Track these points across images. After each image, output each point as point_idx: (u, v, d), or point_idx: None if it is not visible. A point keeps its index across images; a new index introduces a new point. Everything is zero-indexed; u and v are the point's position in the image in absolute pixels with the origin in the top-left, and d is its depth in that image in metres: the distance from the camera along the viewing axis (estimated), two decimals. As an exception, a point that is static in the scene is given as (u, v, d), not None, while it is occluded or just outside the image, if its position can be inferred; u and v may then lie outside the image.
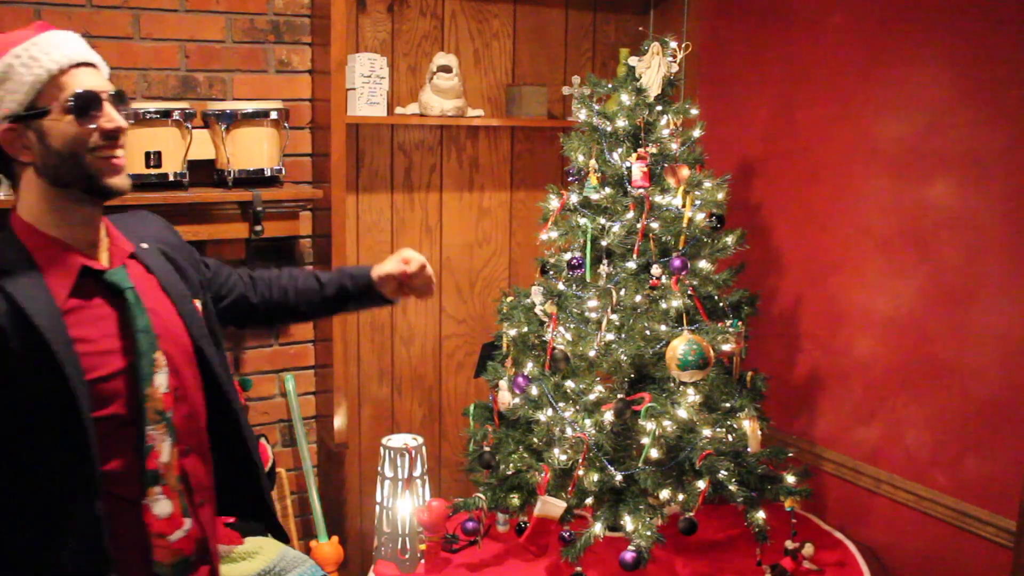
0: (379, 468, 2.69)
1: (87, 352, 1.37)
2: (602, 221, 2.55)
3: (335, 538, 2.87)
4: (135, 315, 1.42)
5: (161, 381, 1.43)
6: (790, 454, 2.67)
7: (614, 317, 2.48)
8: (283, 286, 1.81)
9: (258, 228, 2.58)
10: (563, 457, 2.43)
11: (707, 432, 2.43)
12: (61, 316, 1.36)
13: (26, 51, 1.37)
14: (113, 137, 1.41)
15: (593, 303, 2.50)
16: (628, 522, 2.38)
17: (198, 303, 1.59)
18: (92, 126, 1.38)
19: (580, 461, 2.40)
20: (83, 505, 1.35)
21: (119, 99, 1.43)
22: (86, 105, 1.37)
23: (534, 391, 2.53)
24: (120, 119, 1.42)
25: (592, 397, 2.46)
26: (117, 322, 1.42)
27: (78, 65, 1.40)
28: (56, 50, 1.39)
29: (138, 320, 1.42)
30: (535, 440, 2.55)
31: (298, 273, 1.84)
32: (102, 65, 1.46)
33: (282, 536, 1.81)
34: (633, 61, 2.62)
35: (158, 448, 1.42)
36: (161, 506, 1.43)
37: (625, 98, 2.59)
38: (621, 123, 2.58)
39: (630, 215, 2.52)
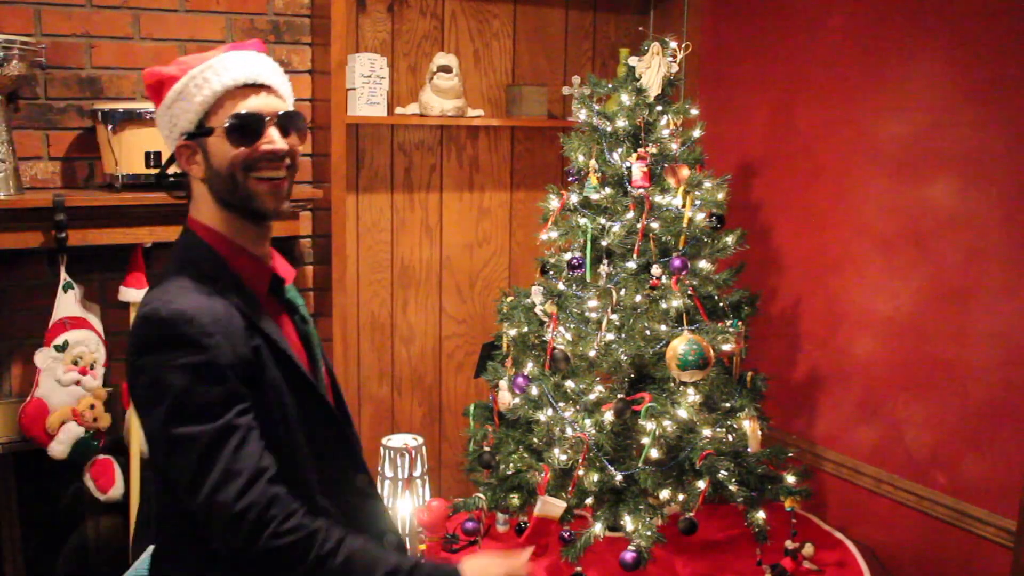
0: (379, 468, 2.69)
1: (298, 365, 1.48)
2: (602, 221, 2.55)
3: (335, 538, 2.87)
4: (310, 331, 1.52)
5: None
6: (790, 454, 2.67)
7: (614, 317, 2.48)
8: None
9: (258, 228, 2.57)
10: (563, 457, 2.43)
11: (707, 432, 2.43)
12: (275, 326, 1.46)
13: (201, 72, 1.42)
14: (273, 159, 1.41)
15: (593, 303, 2.50)
16: (628, 522, 2.38)
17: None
18: (249, 148, 1.40)
19: (580, 461, 2.40)
20: (348, 480, 1.60)
21: (288, 121, 1.44)
22: (243, 127, 1.40)
23: (534, 391, 2.53)
24: (280, 142, 1.41)
25: (592, 397, 2.45)
26: (297, 333, 1.52)
27: (247, 87, 1.42)
28: (227, 72, 1.41)
29: (313, 336, 1.55)
30: (535, 440, 2.55)
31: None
32: (281, 86, 1.46)
33: None
34: (633, 61, 2.62)
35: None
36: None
37: (625, 98, 2.59)
38: (621, 123, 2.57)
39: (630, 215, 2.52)
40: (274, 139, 1.41)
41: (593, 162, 2.58)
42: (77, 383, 2.38)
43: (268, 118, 1.42)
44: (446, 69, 2.91)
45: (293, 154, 1.45)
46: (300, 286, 2.89)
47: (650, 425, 2.37)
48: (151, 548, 2.34)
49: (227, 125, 1.40)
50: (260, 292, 1.45)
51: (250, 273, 1.45)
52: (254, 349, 1.37)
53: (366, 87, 2.84)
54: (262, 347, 1.38)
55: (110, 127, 2.37)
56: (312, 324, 1.59)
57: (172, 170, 1.52)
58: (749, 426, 2.50)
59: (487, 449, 2.62)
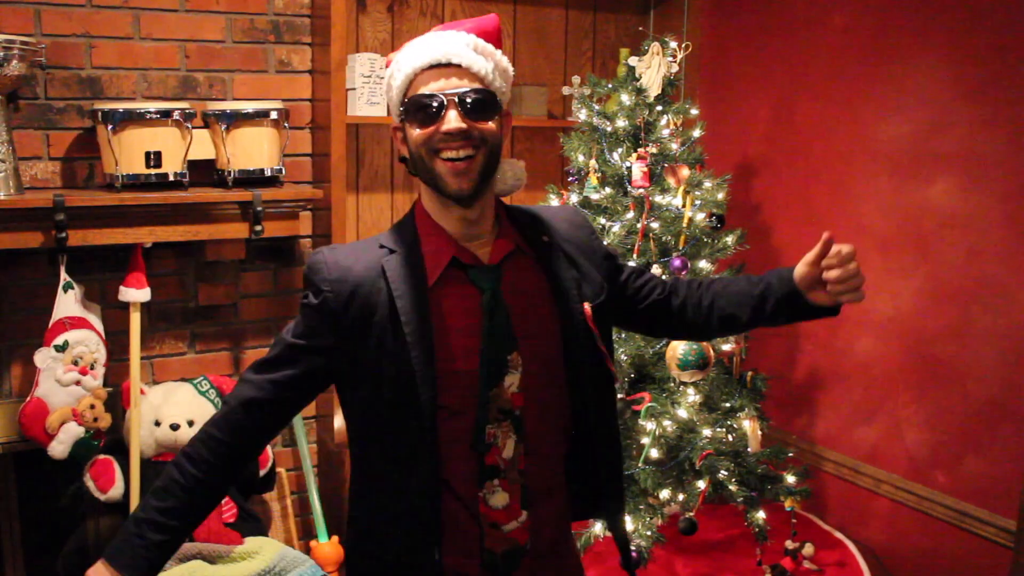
0: (379, 468, 2.69)
1: (443, 341, 1.42)
2: (602, 221, 2.55)
3: (335, 538, 2.87)
4: (490, 315, 1.43)
5: (512, 381, 1.43)
6: (790, 454, 2.67)
7: (614, 317, 2.48)
8: (714, 290, 1.64)
9: (258, 228, 2.58)
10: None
11: (707, 432, 2.43)
12: (426, 302, 1.42)
13: (399, 56, 1.46)
14: (452, 139, 1.39)
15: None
16: (628, 522, 2.38)
17: (587, 306, 1.51)
18: (429, 129, 1.40)
19: (580, 461, 2.39)
20: (419, 481, 1.41)
21: (470, 100, 1.40)
22: (418, 109, 1.40)
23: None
24: (453, 122, 1.38)
25: (592, 397, 2.45)
26: (480, 317, 1.44)
27: (432, 68, 1.41)
28: (414, 55, 1.43)
29: (493, 320, 1.43)
30: (535, 440, 2.55)
31: (732, 278, 1.66)
32: (473, 64, 1.42)
33: (629, 564, 1.66)
34: (633, 61, 2.62)
35: (500, 444, 1.43)
36: (497, 498, 1.44)
37: (625, 98, 2.59)
38: (621, 123, 2.57)
39: (630, 215, 2.52)
40: (449, 119, 1.38)
41: (593, 162, 2.58)
42: (77, 383, 2.38)
43: (446, 98, 1.39)
44: (446, 69, 2.91)
45: (476, 134, 1.40)
46: (300, 286, 2.90)
47: (650, 425, 2.37)
48: None
49: (402, 108, 1.43)
50: (436, 272, 1.45)
51: (433, 248, 1.46)
52: (369, 309, 1.42)
53: (366, 87, 2.84)
54: (382, 312, 1.42)
55: (110, 127, 2.37)
56: (504, 311, 1.44)
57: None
58: (749, 426, 2.50)
59: (487, 449, 2.62)
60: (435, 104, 1.39)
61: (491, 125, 1.43)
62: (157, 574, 1.45)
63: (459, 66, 1.41)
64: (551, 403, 1.48)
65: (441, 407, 1.41)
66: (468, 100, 1.39)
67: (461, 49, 1.42)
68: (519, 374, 1.44)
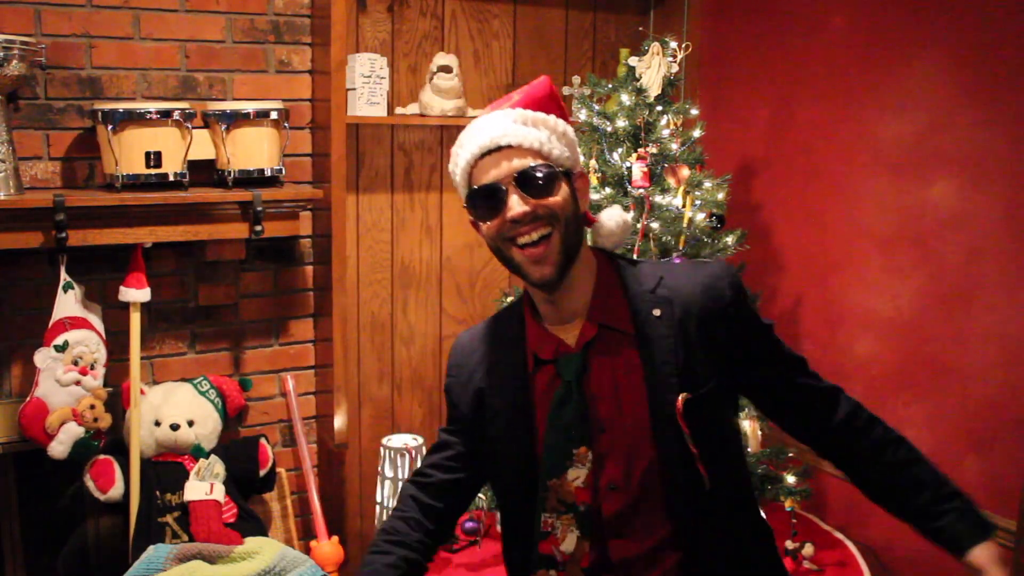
0: (379, 468, 2.69)
1: (512, 429, 1.44)
2: (602, 221, 2.55)
3: (335, 538, 2.87)
4: (558, 406, 1.38)
5: (577, 475, 1.37)
6: (790, 454, 2.67)
7: (614, 317, 2.47)
8: (886, 460, 1.45)
9: (258, 228, 2.58)
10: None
11: (707, 432, 2.43)
12: (523, 391, 1.43)
13: (458, 142, 1.43)
14: (521, 224, 1.34)
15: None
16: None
17: (681, 399, 1.36)
18: (497, 220, 1.36)
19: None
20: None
21: (528, 179, 1.34)
22: (480, 202, 1.37)
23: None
24: (517, 207, 1.33)
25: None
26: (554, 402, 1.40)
27: (486, 155, 1.37)
28: (469, 142, 1.39)
29: (562, 411, 1.37)
30: (535, 440, 2.55)
31: (911, 460, 1.45)
32: (524, 138, 1.36)
33: None
34: (633, 61, 2.62)
35: (560, 536, 1.38)
36: None
37: (625, 98, 2.59)
38: (621, 123, 2.58)
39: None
40: (512, 204, 1.34)
41: (593, 162, 2.58)
42: (77, 383, 2.38)
43: (504, 184, 1.35)
44: (446, 69, 2.91)
45: (544, 212, 1.34)
46: (300, 286, 2.90)
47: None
48: (151, 548, 2.34)
49: (465, 206, 1.41)
50: (530, 361, 1.43)
51: (533, 340, 1.45)
52: (479, 393, 1.49)
53: (366, 87, 2.84)
54: (486, 396, 1.48)
55: (110, 127, 2.37)
56: (581, 401, 1.38)
57: None
58: (749, 426, 2.50)
59: (487, 449, 2.62)
60: (495, 193, 1.35)
61: (558, 198, 1.36)
62: None
63: (510, 146, 1.36)
64: (637, 500, 1.38)
65: (508, 488, 1.49)
66: (527, 180, 1.34)
67: (508, 128, 1.36)
68: (586, 469, 1.36)
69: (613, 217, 1.48)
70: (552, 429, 1.37)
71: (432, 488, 1.57)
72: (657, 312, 1.39)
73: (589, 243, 1.49)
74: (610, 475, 1.37)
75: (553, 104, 1.44)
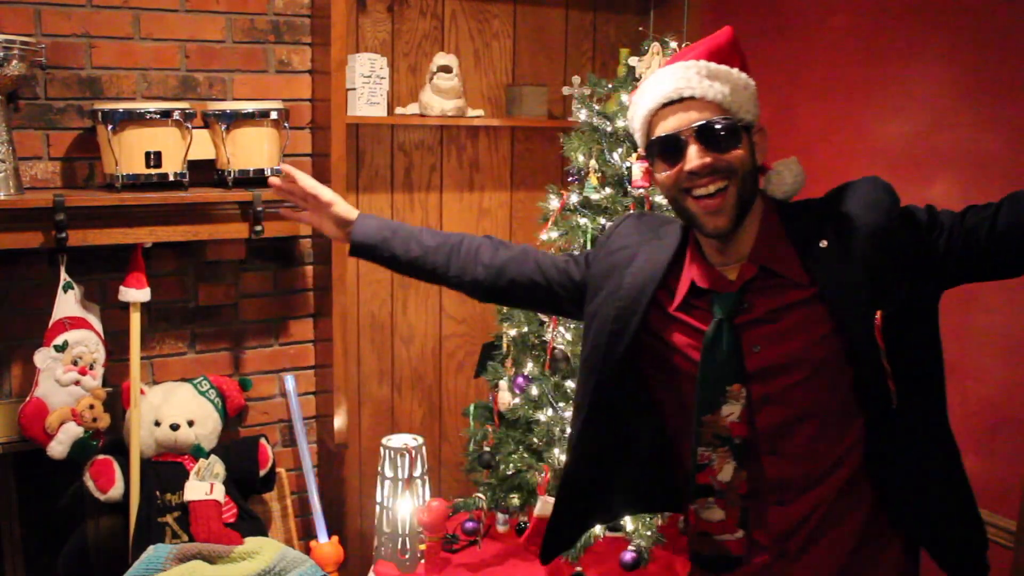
0: (379, 468, 2.69)
1: (660, 353, 1.48)
2: (602, 221, 2.55)
3: (335, 538, 2.87)
4: (710, 345, 1.40)
5: (731, 411, 1.39)
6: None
7: (614, 317, 2.48)
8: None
9: (258, 228, 2.58)
10: (563, 457, 2.43)
11: (707, 432, 2.43)
12: (637, 327, 1.47)
13: (635, 97, 1.44)
14: (698, 177, 1.36)
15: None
16: (628, 522, 2.38)
17: (879, 314, 1.38)
18: (674, 170, 1.38)
19: (580, 461, 2.40)
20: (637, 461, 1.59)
21: (708, 132, 1.36)
22: (659, 151, 1.39)
23: (534, 391, 2.53)
24: (694, 160, 1.35)
25: (592, 397, 2.45)
26: (709, 339, 1.42)
27: (667, 105, 1.39)
28: (648, 93, 1.41)
29: (714, 349, 1.39)
30: (535, 440, 2.55)
31: None
32: (707, 91, 1.37)
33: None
34: (633, 61, 2.62)
35: (716, 467, 1.41)
36: (712, 513, 1.43)
37: (625, 98, 2.59)
38: (621, 123, 2.57)
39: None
40: (691, 156, 1.35)
41: (593, 162, 2.58)
42: (76, 383, 2.38)
43: (684, 136, 1.36)
44: (446, 69, 2.91)
45: (723, 165, 1.36)
46: (300, 286, 2.90)
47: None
48: (151, 548, 2.34)
49: (644, 154, 1.43)
50: (682, 293, 1.46)
51: (688, 263, 1.48)
52: (609, 274, 1.54)
53: (366, 87, 2.84)
54: (608, 299, 1.52)
55: (110, 127, 2.37)
56: (732, 340, 1.39)
57: None
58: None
59: (487, 449, 2.62)
60: (674, 144, 1.36)
61: (738, 152, 1.38)
62: (369, 238, 1.69)
63: (693, 98, 1.37)
64: (795, 434, 1.40)
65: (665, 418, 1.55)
66: (707, 133, 1.35)
67: (692, 80, 1.38)
68: (740, 405, 1.38)
69: (791, 168, 1.49)
70: (705, 366, 1.40)
71: (518, 263, 1.66)
72: (824, 243, 1.40)
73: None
74: (767, 410, 1.40)
75: (735, 56, 1.46)
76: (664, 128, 1.38)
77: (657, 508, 1.78)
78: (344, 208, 1.73)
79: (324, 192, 1.73)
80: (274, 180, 1.77)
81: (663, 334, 1.48)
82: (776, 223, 1.45)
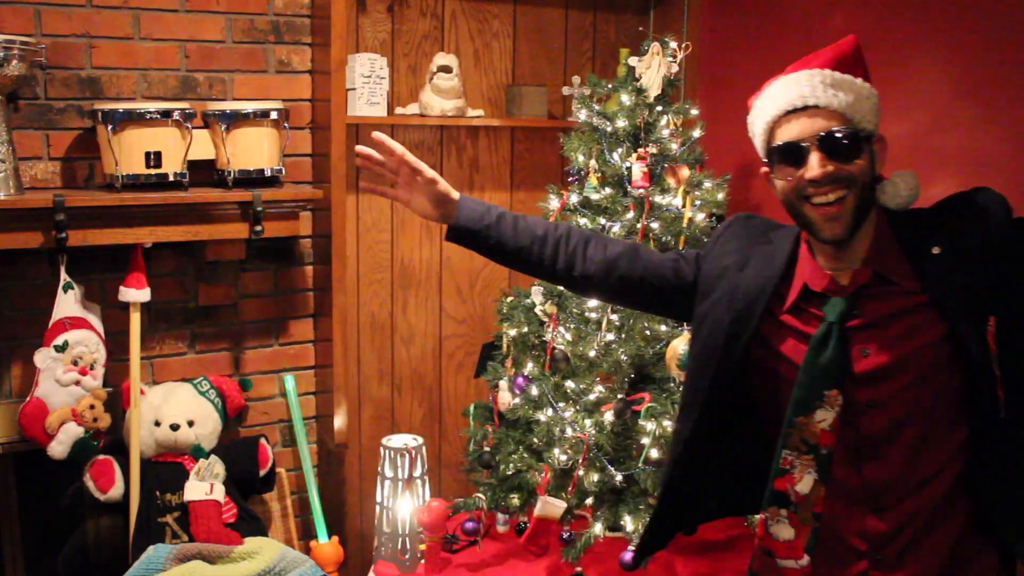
0: (379, 468, 2.69)
1: (765, 359, 1.50)
2: (602, 221, 2.55)
3: (335, 538, 2.87)
4: (816, 347, 1.41)
5: (824, 417, 1.39)
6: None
7: (614, 317, 2.48)
8: None
9: (258, 228, 2.58)
10: (563, 457, 2.43)
11: (707, 432, 2.43)
12: (754, 329, 1.48)
13: (759, 100, 1.46)
14: (817, 186, 1.38)
15: (593, 303, 2.50)
16: (628, 522, 2.38)
17: (993, 320, 1.40)
18: (794, 177, 1.40)
19: (580, 461, 2.40)
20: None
21: (830, 142, 1.37)
22: (781, 158, 1.41)
23: (534, 391, 2.53)
24: (815, 168, 1.37)
25: (592, 397, 2.45)
26: (815, 343, 1.43)
27: (791, 112, 1.40)
28: (772, 100, 1.43)
29: (820, 352, 1.40)
30: (535, 440, 2.55)
31: None
32: (832, 101, 1.38)
33: None
34: (633, 61, 2.62)
35: (796, 476, 1.41)
36: (781, 529, 1.43)
37: (625, 98, 2.59)
38: (621, 123, 2.58)
39: (630, 215, 2.52)
40: (813, 165, 1.37)
41: (593, 162, 2.58)
42: (77, 383, 2.38)
43: (807, 144, 1.38)
44: (446, 69, 2.91)
45: (843, 175, 1.37)
46: (300, 286, 2.90)
47: (650, 425, 2.37)
48: (151, 548, 2.34)
49: (766, 160, 1.45)
50: (792, 296, 1.48)
51: (800, 268, 1.49)
52: (723, 274, 1.55)
53: (366, 87, 2.84)
54: (721, 302, 1.53)
55: (110, 127, 2.37)
56: (836, 346, 1.40)
57: None
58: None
59: (487, 449, 2.62)
60: (796, 152, 1.38)
61: (859, 162, 1.39)
62: (474, 223, 1.60)
63: (817, 107, 1.39)
64: (899, 440, 1.41)
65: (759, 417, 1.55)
66: (830, 143, 1.37)
67: (817, 89, 1.39)
68: (834, 413, 1.39)
69: (906, 180, 1.49)
70: (807, 367, 1.40)
71: (623, 256, 1.64)
72: (936, 250, 1.41)
73: None
74: (859, 421, 1.41)
75: (859, 65, 1.46)
76: (786, 135, 1.41)
77: (744, 512, 1.76)
78: (446, 186, 1.62)
79: (426, 167, 1.62)
80: (362, 148, 1.63)
81: (769, 338, 1.51)
82: (888, 231, 1.47)
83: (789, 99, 1.40)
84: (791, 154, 1.39)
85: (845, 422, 1.40)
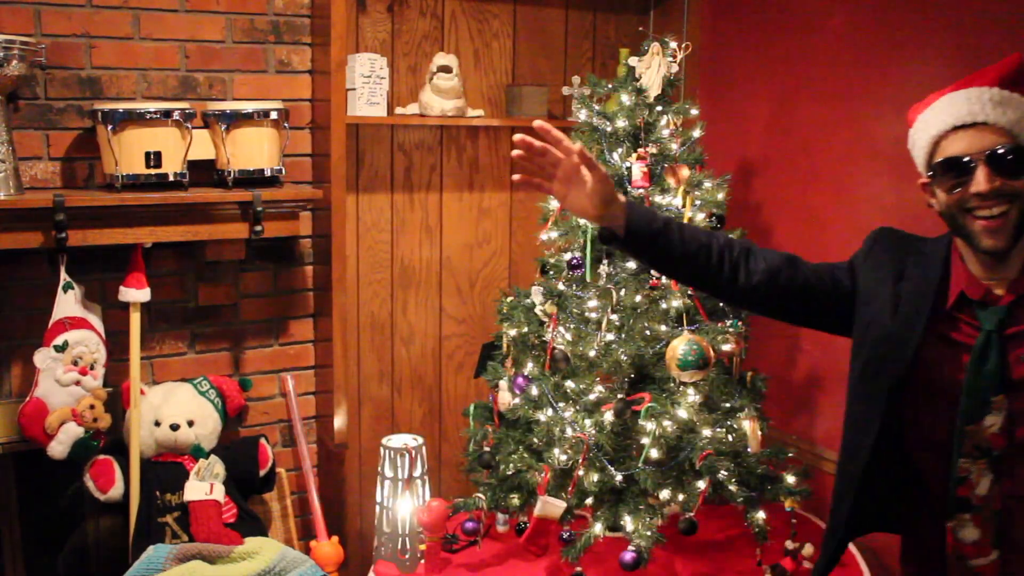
0: (379, 468, 2.69)
1: (922, 373, 1.52)
2: (602, 221, 2.55)
3: (335, 538, 2.87)
4: (979, 355, 1.46)
5: (994, 422, 1.45)
6: (790, 454, 2.67)
7: (614, 317, 2.48)
8: None
9: (258, 228, 2.58)
10: (563, 457, 2.43)
11: (707, 432, 2.43)
12: (921, 334, 1.51)
13: (923, 116, 1.51)
14: (982, 200, 1.42)
15: (593, 303, 2.50)
16: (628, 522, 2.38)
17: None
18: (959, 191, 1.44)
19: (580, 461, 2.40)
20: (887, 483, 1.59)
21: (999, 159, 1.41)
22: (946, 172, 1.45)
23: (534, 391, 2.53)
24: (981, 183, 1.41)
25: (592, 397, 2.45)
26: (970, 355, 1.48)
27: (958, 128, 1.44)
28: (938, 116, 1.47)
29: (983, 360, 1.45)
30: (535, 440, 2.55)
31: None
32: (1000, 118, 1.42)
33: None
34: (633, 61, 2.62)
35: (974, 480, 1.47)
36: (967, 532, 1.48)
37: (625, 98, 2.59)
38: (621, 123, 2.57)
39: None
40: (979, 180, 1.42)
41: (593, 162, 2.57)
42: (77, 383, 2.38)
43: (974, 160, 1.43)
44: (446, 69, 2.91)
45: (1008, 190, 1.41)
46: (300, 286, 2.90)
47: (650, 425, 2.37)
48: (151, 548, 2.34)
49: (930, 173, 1.49)
50: (946, 304, 1.52)
51: (954, 277, 1.53)
52: (887, 285, 1.58)
53: (366, 87, 2.84)
54: (883, 310, 1.57)
55: (110, 127, 2.37)
56: (999, 352, 1.45)
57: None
58: (749, 426, 2.50)
59: (487, 449, 2.62)
60: (962, 167, 1.42)
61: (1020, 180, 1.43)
62: (644, 227, 1.57)
63: (986, 124, 1.43)
64: None
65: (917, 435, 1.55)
66: (997, 160, 1.41)
67: (986, 106, 1.44)
68: (1001, 416, 1.44)
69: None
70: (972, 376, 1.45)
71: (782, 267, 1.66)
72: None
73: None
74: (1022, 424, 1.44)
75: (1023, 83, 1.49)
76: (952, 150, 1.45)
77: (880, 528, 1.77)
78: (612, 186, 1.57)
79: (601, 164, 1.57)
80: (522, 137, 1.53)
81: (928, 345, 1.54)
82: None
83: (958, 115, 1.45)
84: (957, 169, 1.44)
85: (1012, 423, 1.44)
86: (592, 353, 2.44)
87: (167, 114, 2.44)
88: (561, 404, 2.48)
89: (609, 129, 2.59)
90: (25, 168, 2.46)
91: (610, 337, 2.45)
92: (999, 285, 1.49)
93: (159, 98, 2.63)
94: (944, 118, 1.47)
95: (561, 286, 2.58)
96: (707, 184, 2.57)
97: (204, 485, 2.47)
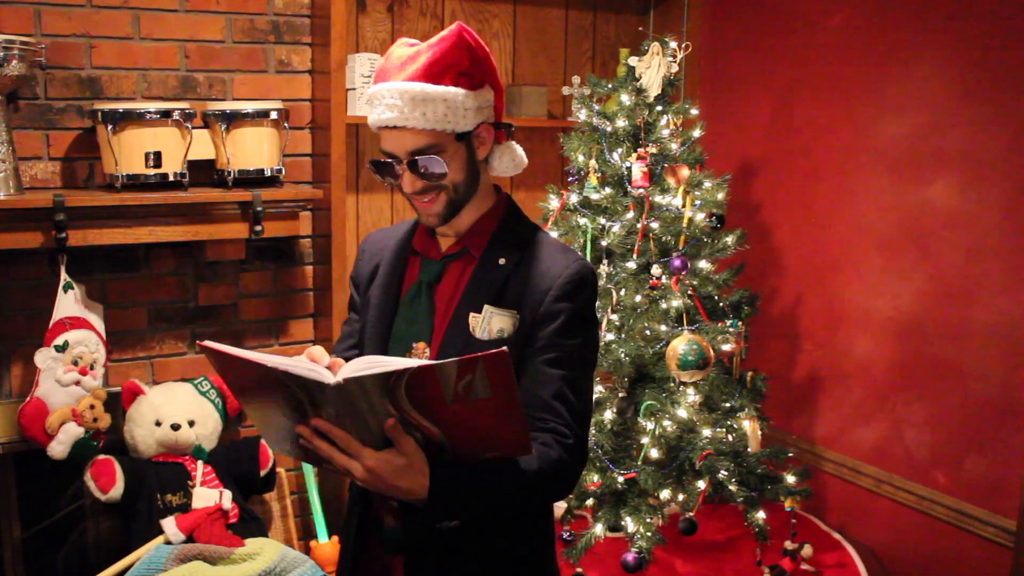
0: (379, 468, 2.68)
1: (376, 313, 1.57)
2: (602, 221, 2.55)
3: (335, 538, 2.87)
4: (409, 303, 1.53)
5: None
6: (790, 454, 2.67)
7: (614, 317, 2.48)
8: None
9: (258, 228, 2.58)
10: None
11: (707, 432, 2.43)
12: (395, 281, 1.57)
13: (371, 92, 1.45)
14: (415, 193, 1.46)
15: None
16: (629, 523, 2.38)
17: (496, 328, 1.44)
18: (396, 183, 1.48)
19: (580, 461, 2.39)
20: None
21: (415, 161, 1.42)
22: (381, 172, 1.48)
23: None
24: (410, 185, 1.44)
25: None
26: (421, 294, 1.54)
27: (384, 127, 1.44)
28: (373, 111, 1.44)
29: (412, 306, 1.52)
30: (535, 440, 2.55)
31: None
32: (409, 118, 1.39)
33: None
34: (633, 61, 2.62)
35: None
36: None
37: (625, 98, 2.59)
38: (621, 123, 2.58)
39: (630, 215, 2.52)
40: (405, 183, 1.45)
41: (593, 162, 2.58)
42: (77, 383, 2.38)
43: (397, 164, 1.45)
44: (446, 69, 2.91)
45: (430, 186, 1.44)
46: (300, 286, 2.90)
47: (650, 425, 2.37)
48: (152, 548, 2.34)
49: (371, 165, 1.50)
50: (416, 255, 1.59)
51: (419, 234, 1.62)
52: (371, 276, 1.62)
53: (366, 87, 2.84)
54: (372, 281, 1.61)
55: (110, 127, 2.37)
56: (425, 302, 1.51)
57: None
58: (749, 426, 2.50)
59: (487, 449, 2.62)
60: (391, 169, 1.46)
61: (449, 171, 1.44)
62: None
63: (402, 128, 1.41)
64: None
65: None
66: (415, 162, 1.43)
67: (397, 109, 1.40)
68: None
69: (512, 152, 1.54)
70: (401, 320, 1.52)
71: None
72: (502, 261, 1.48)
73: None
74: None
75: (451, 67, 1.45)
76: (383, 144, 1.46)
77: None
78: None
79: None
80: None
81: None
82: (498, 215, 1.56)
83: (378, 117, 1.43)
84: (387, 170, 1.47)
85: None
86: (592, 353, 2.44)
87: (167, 114, 2.44)
88: (561, 404, 2.47)
89: (609, 129, 2.59)
90: (25, 168, 2.46)
91: (610, 337, 2.45)
92: (446, 242, 1.57)
93: (159, 98, 2.62)
94: (371, 116, 1.45)
95: (561, 286, 2.57)
96: (707, 184, 2.57)
97: (213, 493, 2.47)
